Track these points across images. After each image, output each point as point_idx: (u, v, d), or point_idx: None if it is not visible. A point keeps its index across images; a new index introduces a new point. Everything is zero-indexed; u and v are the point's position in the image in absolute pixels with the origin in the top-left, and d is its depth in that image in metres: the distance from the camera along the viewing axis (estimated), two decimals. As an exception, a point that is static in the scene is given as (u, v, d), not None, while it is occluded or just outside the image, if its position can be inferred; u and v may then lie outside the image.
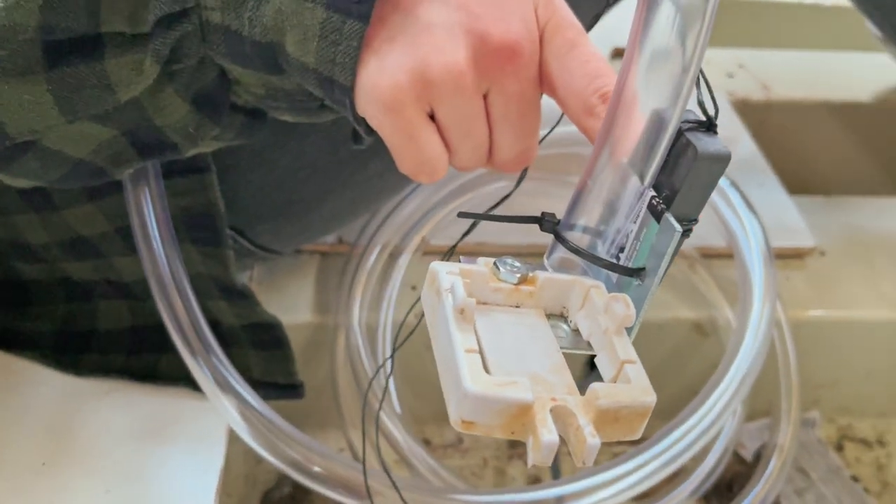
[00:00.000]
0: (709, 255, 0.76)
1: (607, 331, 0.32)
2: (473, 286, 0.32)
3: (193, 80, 0.38)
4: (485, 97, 0.36)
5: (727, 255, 0.74)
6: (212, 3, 0.35)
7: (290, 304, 0.70)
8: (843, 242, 0.83)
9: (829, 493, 0.76)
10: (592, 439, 0.27)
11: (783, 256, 0.78)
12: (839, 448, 0.81)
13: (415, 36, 0.34)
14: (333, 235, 0.73)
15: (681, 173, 0.32)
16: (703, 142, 0.31)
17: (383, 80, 0.34)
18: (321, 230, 0.66)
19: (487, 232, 0.71)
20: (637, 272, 0.33)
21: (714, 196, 0.68)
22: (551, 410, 0.28)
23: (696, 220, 0.33)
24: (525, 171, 0.40)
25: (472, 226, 0.42)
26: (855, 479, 0.78)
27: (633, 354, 0.31)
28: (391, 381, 0.66)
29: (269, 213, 0.60)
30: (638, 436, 0.30)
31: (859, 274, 0.79)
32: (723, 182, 0.69)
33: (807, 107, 1.05)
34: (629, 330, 0.32)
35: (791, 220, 0.82)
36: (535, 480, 0.74)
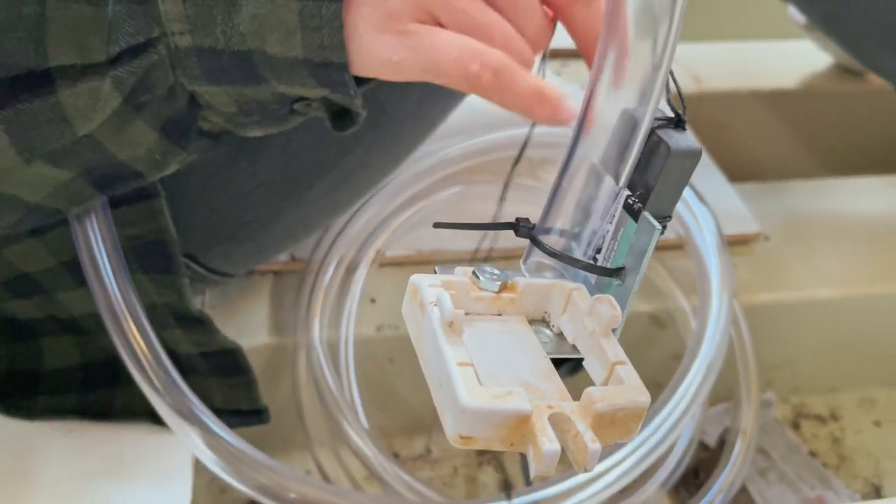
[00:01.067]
0: (659, 247, 0.77)
1: (594, 333, 0.31)
2: (456, 297, 0.32)
3: (163, 109, 0.37)
4: None
5: (677, 246, 0.75)
6: (178, 28, 0.34)
7: (245, 326, 0.69)
8: (785, 226, 0.85)
9: (789, 471, 0.78)
10: (593, 445, 0.27)
11: (730, 243, 0.79)
12: (795, 426, 0.83)
13: None
14: (286, 254, 0.72)
15: (654, 171, 0.32)
16: (674, 138, 0.32)
17: (375, 23, 0.33)
18: (275, 249, 0.65)
19: (443, 239, 0.71)
20: (616, 272, 0.33)
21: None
22: (549, 418, 0.28)
23: (670, 217, 0.33)
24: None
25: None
26: (813, 454, 0.80)
27: (622, 355, 0.30)
28: (357, 396, 0.64)
29: (223, 236, 0.58)
30: (635, 437, 0.29)
31: (803, 256, 0.82)
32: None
33: (737, 96, 1.08)
34: (614, 331, 0.32)
35: (734, 207, 0.84)
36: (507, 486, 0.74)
